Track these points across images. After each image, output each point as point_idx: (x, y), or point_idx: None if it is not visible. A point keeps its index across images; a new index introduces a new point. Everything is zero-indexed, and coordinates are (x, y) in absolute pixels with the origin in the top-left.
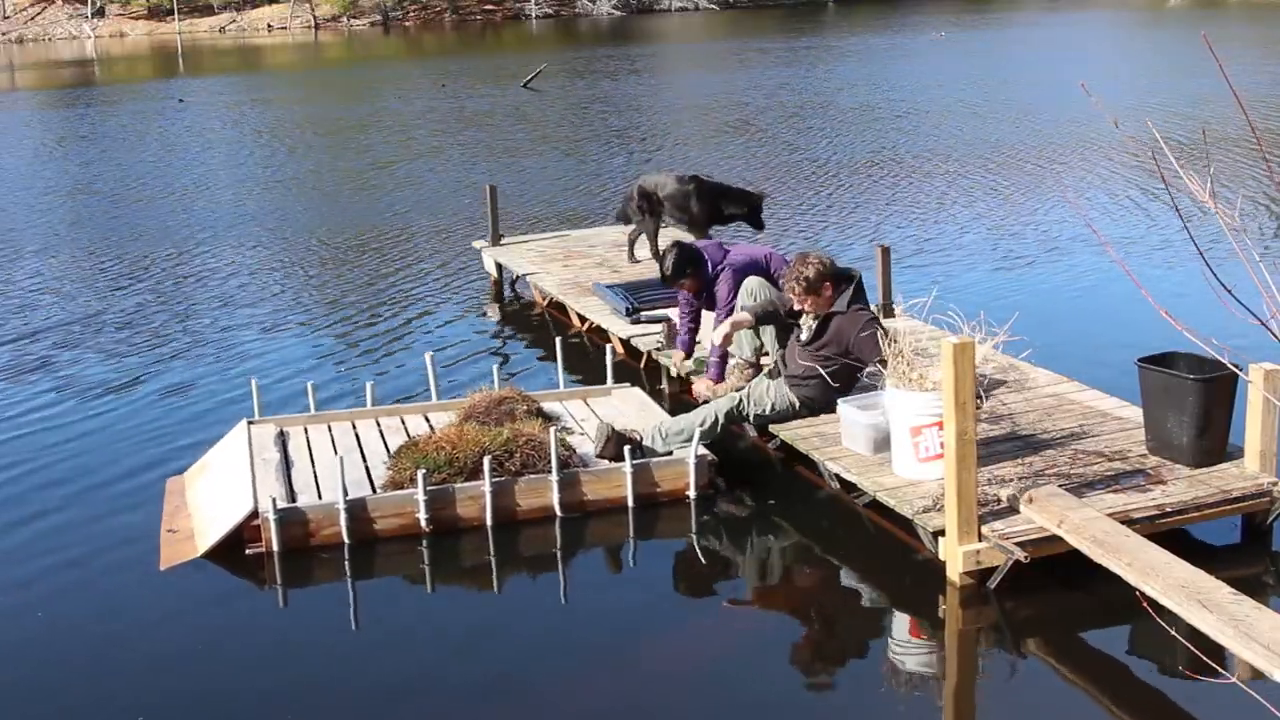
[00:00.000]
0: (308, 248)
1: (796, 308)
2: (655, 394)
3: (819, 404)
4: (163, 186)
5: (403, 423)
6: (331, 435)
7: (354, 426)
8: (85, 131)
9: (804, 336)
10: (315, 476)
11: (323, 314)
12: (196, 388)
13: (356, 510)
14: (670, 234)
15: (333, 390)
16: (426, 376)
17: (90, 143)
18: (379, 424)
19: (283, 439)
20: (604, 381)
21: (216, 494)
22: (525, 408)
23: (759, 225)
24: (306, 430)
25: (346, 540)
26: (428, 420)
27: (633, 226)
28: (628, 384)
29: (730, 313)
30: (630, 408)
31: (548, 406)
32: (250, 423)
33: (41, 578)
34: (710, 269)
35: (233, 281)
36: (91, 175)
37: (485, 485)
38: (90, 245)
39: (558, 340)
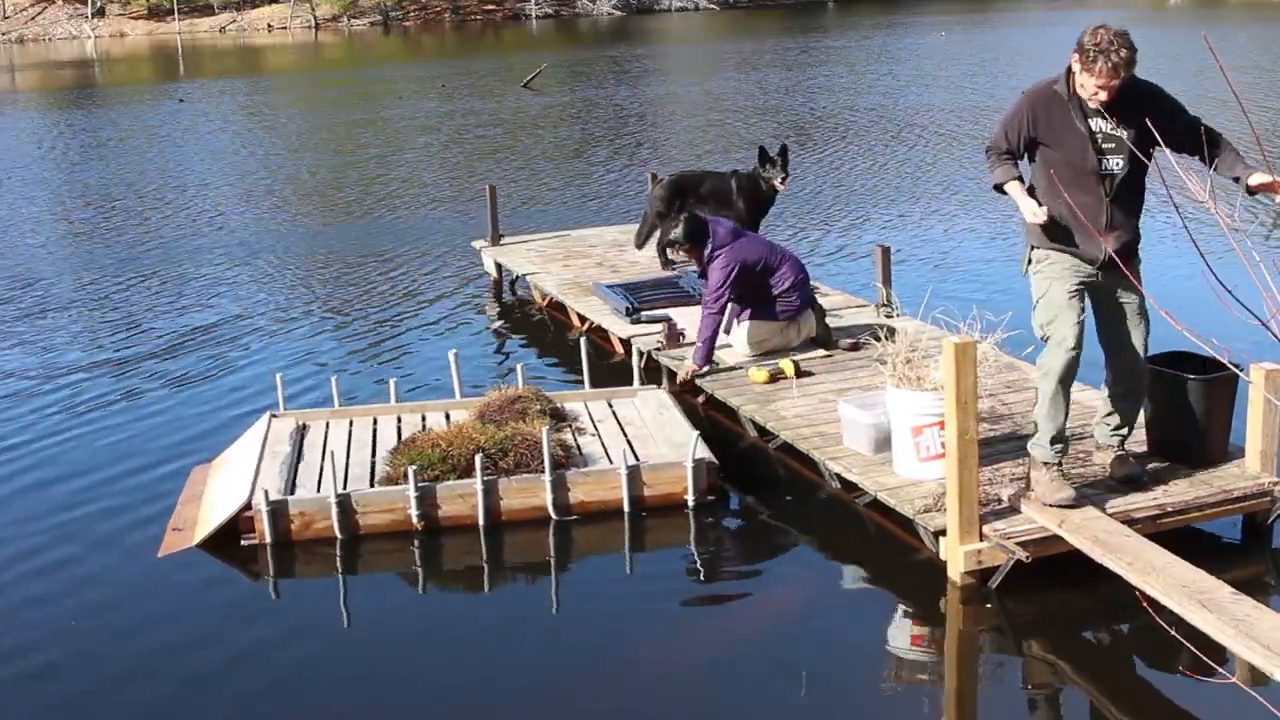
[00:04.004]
0: (311, 248)
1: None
2: None
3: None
4: (167, 189)
5: (423, 419)
6: (350, 430)
7: (375, 422)
8: (92, 133)
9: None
10: (321, 470)
11: (327, 313)
12: (228, 383)
13: (347, 505)
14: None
15: (357, 386)
16: (445, 374)
17: (98, 145)
18: (399, 420)
19: (301, 433)
20: (619, 382)
21: (223, 485)
22: (539, 407)
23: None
24: (328, 424)
25: (339, 535)
26: (448, 417)
27: (658, 231)
28: (654, 385)
29: (719, 299)
30: (649, 409)
31: (569, 407)
32: (273, 416)
33: (49, 559)
34: (711, 249)
35: (244, 282)
36: (101, 177)
37: (477, 483)
38: (108, 247)
39: (582, 341)
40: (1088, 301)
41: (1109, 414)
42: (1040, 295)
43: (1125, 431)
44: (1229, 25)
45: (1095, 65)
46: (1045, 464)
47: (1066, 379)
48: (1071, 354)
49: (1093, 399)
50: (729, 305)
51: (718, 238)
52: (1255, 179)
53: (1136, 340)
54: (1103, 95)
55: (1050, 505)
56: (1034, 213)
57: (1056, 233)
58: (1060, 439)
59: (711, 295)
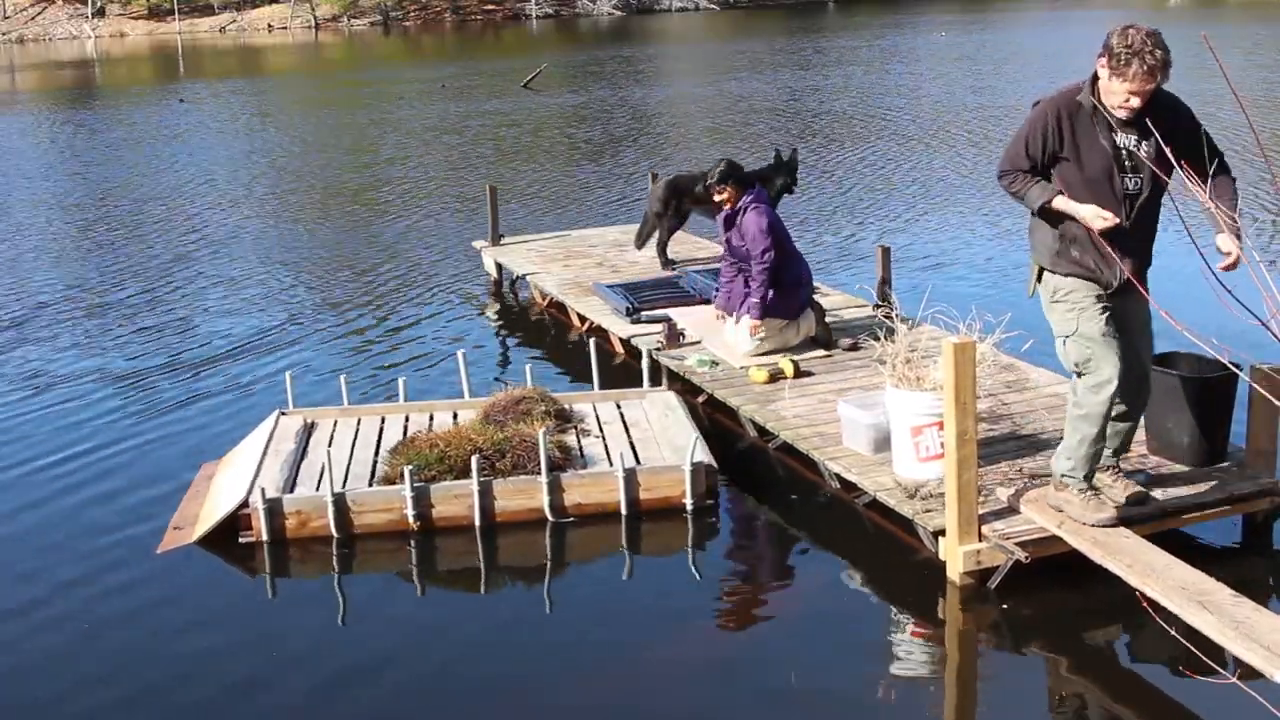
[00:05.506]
0: (315, 249)
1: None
2: None
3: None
4: (172, 191)
5: (430, 419)
6: (357, 429)
7: (382, 421)
8: (96, 135)
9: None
10: (323, 469)
11: (335, 312)
12: (241, 382)
13: (342, 504)
14: (682, 240)
15: (367, 385)
16: (452, 373)
17: (101, 147)
18: (407, 419)
19: (308, 431)
20: (620, 382)
21: (225, 483)
22: (544, 408)
23: (794, 184)
24: (335, 423)
25: (335, 533)
26: (455, 417)
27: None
28: (663, 387)
29: (766, 251)
30: (656, 411)
31: (578, 408)
32: (281, 414)
33: (50, 558)
34: (750, 200)
35: (252, 282)
36: (105, 179)
37: (473, 484)
38: (117, 248)
39: (591, 342)
40: None
41: (1109, 436)
42: (1069, 333)
43: (1122, 452)
44: (1229, 25)
45: (1129, 69)
46: (1079, 489)
47: (1107, 419)
48: (1114, 392)
49: None
50: (740, 288)
51: (757, 193)
52: (1223, 242)
53: (1144, 358)
54: (1135, 102)
55: (1092, 526)
56: (1101, 216)
57: (1076, 254)
58: (1093, 475)
59: (759, 249)
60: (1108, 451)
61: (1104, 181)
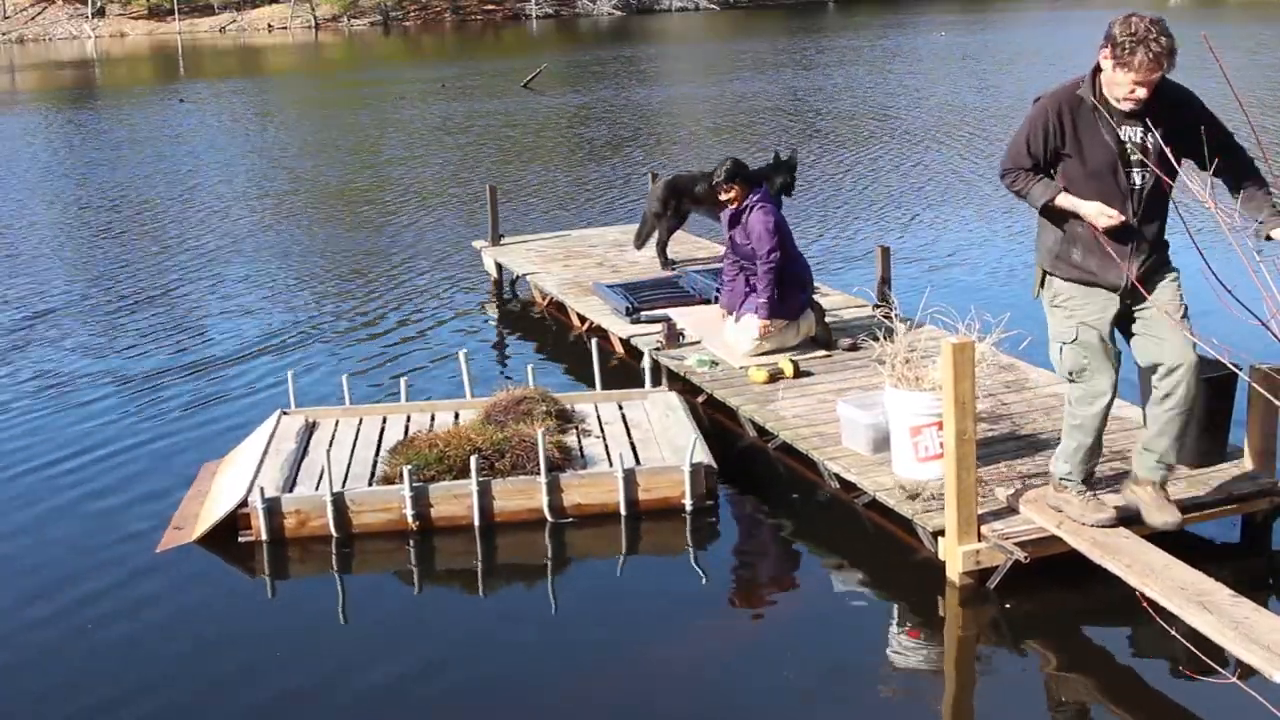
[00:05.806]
0: (317, 249)
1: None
2: None
3: None
4: (174, 191)
5: (432, 419)
6: (359, 429)
7: (384, 421)
8: (97, 135)
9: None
10: (323, 469)
11: (337, 312)
12: (244, 382)
13: (341, 503)
14: (682, 240)
15: (369, 385)
16: (454, 373)
17: (101, 147)
18: (409, 419)
19: (309, 430)
20: (620, 382)
21: (226, 482)
22: (545, 408)
23: (793, 185)
24: (337, 423)
25: (334, 533)
26: (457, 417)
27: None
28: (663, 387)
29: (772, 252)
30: (657, 411)
31: (580, 408)
32: (283, 413)
33: (55, 549)
34: (757, 199)
35: (253, 282)
36: (107, 180)
37: (472, 484)
38: (121, 248)
39: (593, 343)
40: (1118, 333)
41: (1156, 436)
42: (1068, 340)
43: (1171, 460)
44: (1230, 25)
45: (1134, 58)
46: (1078, 490)
47: (1102, 427)
48: (1108, 403)
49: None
50: (742, 287)
51: (763, 193)
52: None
53: (1178, 354)
54: (1141, 92)
55: (1091, 526)
56: (1107, 214)
57: (1078, 258)
58: (1091, 476)
59: (765, 249)
60: (1153, 460)
61: (1108, 176)
